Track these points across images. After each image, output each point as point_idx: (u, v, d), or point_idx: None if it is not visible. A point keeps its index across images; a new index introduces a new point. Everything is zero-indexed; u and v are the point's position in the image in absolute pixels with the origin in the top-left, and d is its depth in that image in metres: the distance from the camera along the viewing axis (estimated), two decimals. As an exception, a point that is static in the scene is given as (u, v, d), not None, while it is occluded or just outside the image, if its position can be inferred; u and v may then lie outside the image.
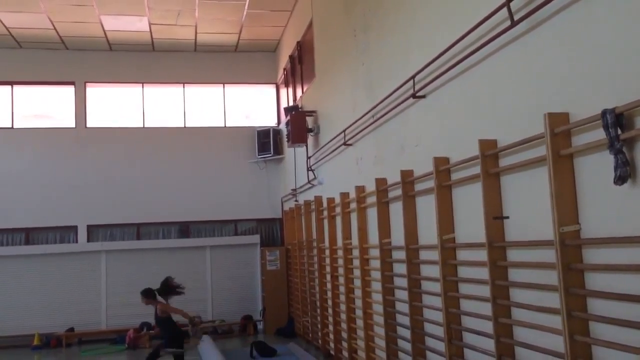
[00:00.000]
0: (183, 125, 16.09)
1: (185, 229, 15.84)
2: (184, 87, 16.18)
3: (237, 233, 16.00)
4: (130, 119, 15.95)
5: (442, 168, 5.81)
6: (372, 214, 8.09)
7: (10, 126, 15.39)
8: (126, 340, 13.58)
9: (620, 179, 3.48)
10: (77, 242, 15.22)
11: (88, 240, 15.27)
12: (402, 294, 7.13)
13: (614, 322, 3.65)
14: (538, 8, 4.27)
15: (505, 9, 4.64)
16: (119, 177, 15.38)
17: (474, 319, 5.41)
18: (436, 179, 5.85)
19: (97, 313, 14.84)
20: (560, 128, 4.00)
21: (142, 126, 15.90)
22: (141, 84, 15.96)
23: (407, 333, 6.89)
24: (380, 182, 7.59)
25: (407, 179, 6.69)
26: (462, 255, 5.71)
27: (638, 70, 3.38)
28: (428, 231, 6.34)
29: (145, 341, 13.54)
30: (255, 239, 15.59)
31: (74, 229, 15.28)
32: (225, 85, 16.33)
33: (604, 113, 3.54)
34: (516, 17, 4.54)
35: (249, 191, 15.81)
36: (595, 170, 3.83)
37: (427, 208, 6.35)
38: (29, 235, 15.12)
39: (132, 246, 15.24)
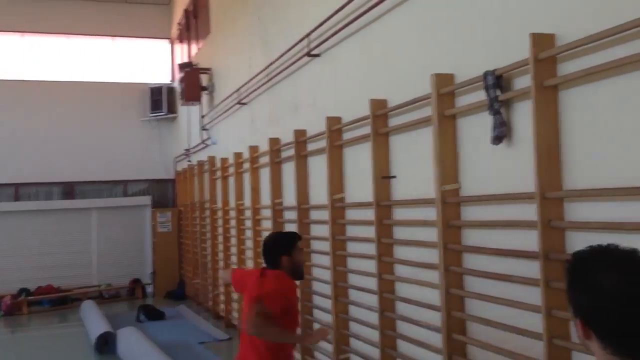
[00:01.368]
0: (69, 79, 15.07)
1: (69, 190, 15.01)
2: (69, 38, 15.12)
3: (127, 194, 15.39)
4: (9, 71, 14.72)
5: (335, 128, 5.83)
6: (265, 174, 8.03)
7: None
8: (2, 307, 12.77)
9: (497, 139, 3.62)
10: (-55, 202, 14.00)
11: (-41, 201, 14.08)
12: (292, 254, 7.15)
13: (487, 276, 3.84)
14: (429, -31, 4.31)
15: (398, -31, 4.65)
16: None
17: (359, 277, 5.53)
18: (328, 139, 5.86)
19: (-30, 278, 13.80)
20: (445, 89, 4.09)
21: (21, 79, 14.73)
22: (21, 33, 14.73)
23: (296, 292, 6.94)
24: (274, 142, 7.51)
25: (300, 138, 6.66)
26: (351, 214, 5.79)
27: (517, 32, 3.49)
28: (319, 191, 6.37)
29: (23, 307, 12.80)
30: (146, 200, 15.05)
31: (-59, 187, 14.03)
32: (115, 38, 15.45)
33: (486, 74, 3.65)
34: (408, -23, 4.56)
35: (140, 151, 15.18)
36: (475, 130, 3.96)
37: (319, 168, 6.37)
38: None
39: (9, 208, 14.22)
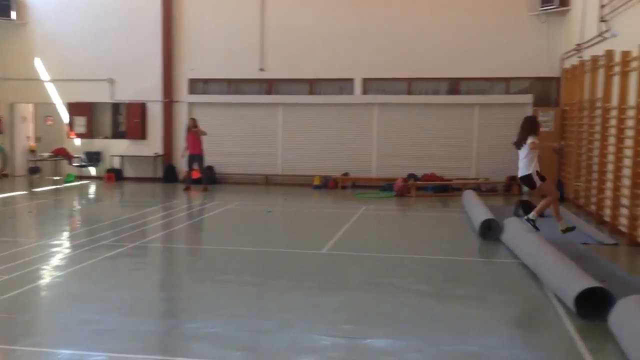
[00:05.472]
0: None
1: (454, 86, 15.76)
2: None
3: (509, 92, 15.41)
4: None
5: None
6: (682, 67, 7.04)
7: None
8: (394, 189, 14.51)
9: None
10: (353, 94, 16.22)
11: (363, 93, 16.16)
12: None
13: None
14: None
15: None
16: (391, 31, 15.64)
17: None
18: None
19: (368, 161, 16.06)
20: None
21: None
22: None
23: None
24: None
25: None
26: None
27: None
28: None
29: (412, 190, 14.33)
30: (528, 98, 14.87)
31: (350, 81, 16.24)
32: None
33: None
34: None
35: (524, 47, 14.88)
36: None
37: None
38: (313, 86, 16.54)
39: (402, 100, 15.78)
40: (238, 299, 6.05)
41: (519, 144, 8.60)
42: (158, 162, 17.13)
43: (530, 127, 8.54)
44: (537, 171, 8.51)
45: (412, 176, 15.09)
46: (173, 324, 5.43)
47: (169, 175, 16.86)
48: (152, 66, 16.84)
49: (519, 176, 8.82)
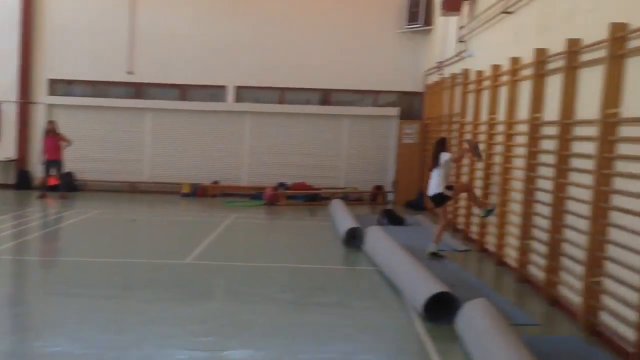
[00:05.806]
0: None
1: (326, 97, 16.09)
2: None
3: (377, 104, 16.01)
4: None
5: (619, 35, 5.29)
6: (525, 88, 7.70)
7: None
8: (264, 197, 14.50)
9: None
10: (225, 101, 16.02)
11: (235, 101, 16.01)
12: (546, 171, 6.90)
13: None
14: None
15: None
16: (266, 40, 15.66)
17: (626, 198, 5.12)
18: (610, 48, 5.35)
19: (239, 170, 15.94)
20: None
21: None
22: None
23: (546, 210, 6.74)
24: (540, 53, 7.10)
25: (574, 48, 6.19)
26: (626, 131, 5.31)
27: None
28: (587, 106, 5.94)
29: (282, 199, 14.41)
30: (394, 111, 15.54)
31: (223, 88, 16.03)
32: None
33: None
34: None
35: (392, 62, 15.52)
36: None
37: (590, 81, 5.90)
38: (184, 92, 16.12)
39: (275, 109, 15.85)
40: (90, 314, 5.69)
41: (433, 166, 8.81)
42: (10, 167, 15.80)
43: (441, 148, 8.82)
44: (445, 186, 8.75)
45: (282, 185, 15.17)
46: (14, 343, 5.00)
47: (23, 181, 15.62)
48: (7, 63, 15.52)
49: (430, 195, 8.98)
